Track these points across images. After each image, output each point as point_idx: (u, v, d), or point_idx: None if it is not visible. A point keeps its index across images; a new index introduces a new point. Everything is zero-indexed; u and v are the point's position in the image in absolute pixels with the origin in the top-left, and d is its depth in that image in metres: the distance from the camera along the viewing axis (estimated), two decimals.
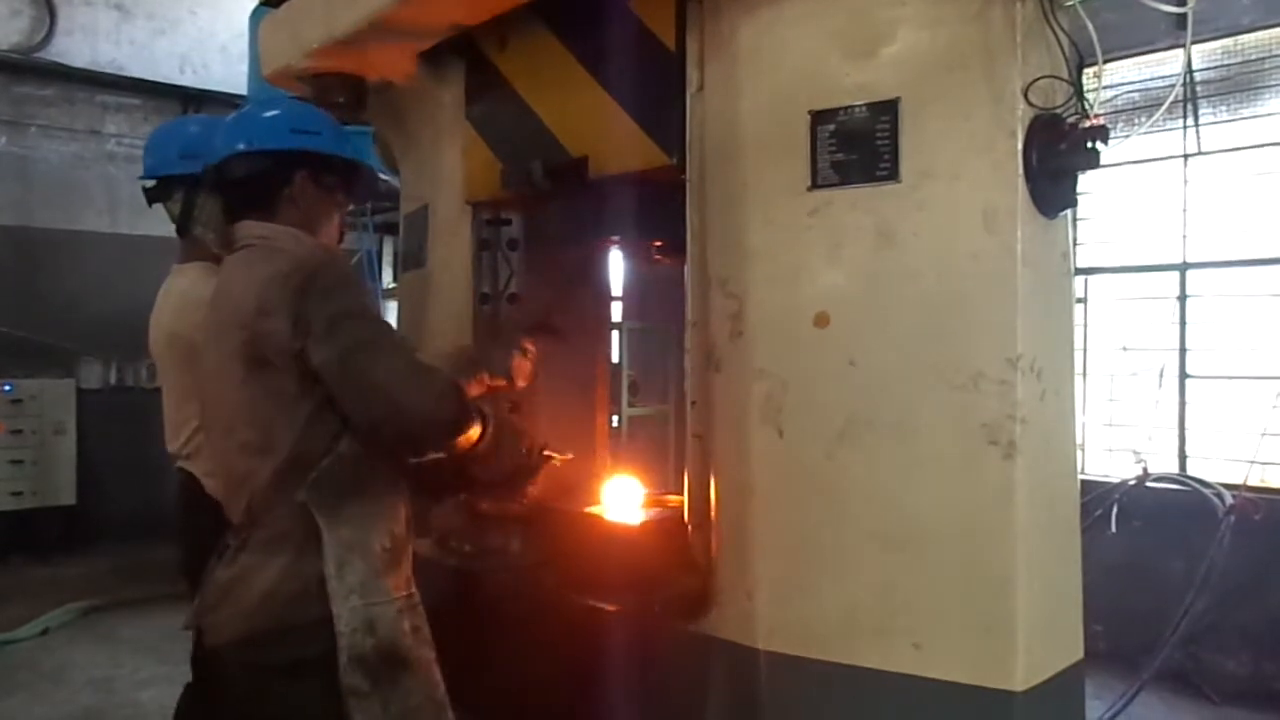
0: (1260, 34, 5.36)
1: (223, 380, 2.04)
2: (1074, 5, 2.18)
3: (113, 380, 7.86)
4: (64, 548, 7.47)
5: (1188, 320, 5.61)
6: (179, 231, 2.96)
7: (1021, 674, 2.09)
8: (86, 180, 8.19)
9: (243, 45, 7.61)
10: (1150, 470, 5.40)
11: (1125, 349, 5.91)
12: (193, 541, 3.00)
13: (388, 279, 9.17)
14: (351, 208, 2.41)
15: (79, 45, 8.18)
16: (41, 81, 8.01)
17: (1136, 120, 5.45)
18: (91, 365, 7.82)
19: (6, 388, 7.41)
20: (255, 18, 5.44)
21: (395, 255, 7.07)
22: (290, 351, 1.93)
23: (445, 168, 3.24)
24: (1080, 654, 2.37)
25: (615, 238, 3.23)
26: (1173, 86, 3.12)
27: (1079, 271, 5.89)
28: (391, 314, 5.47)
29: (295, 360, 1.93)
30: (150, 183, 2.95)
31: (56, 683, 5.00)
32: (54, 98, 8.09)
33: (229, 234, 2.19)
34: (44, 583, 6.70)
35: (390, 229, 7.58)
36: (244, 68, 7.39)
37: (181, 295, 2.84)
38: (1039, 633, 2.15)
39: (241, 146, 2.17)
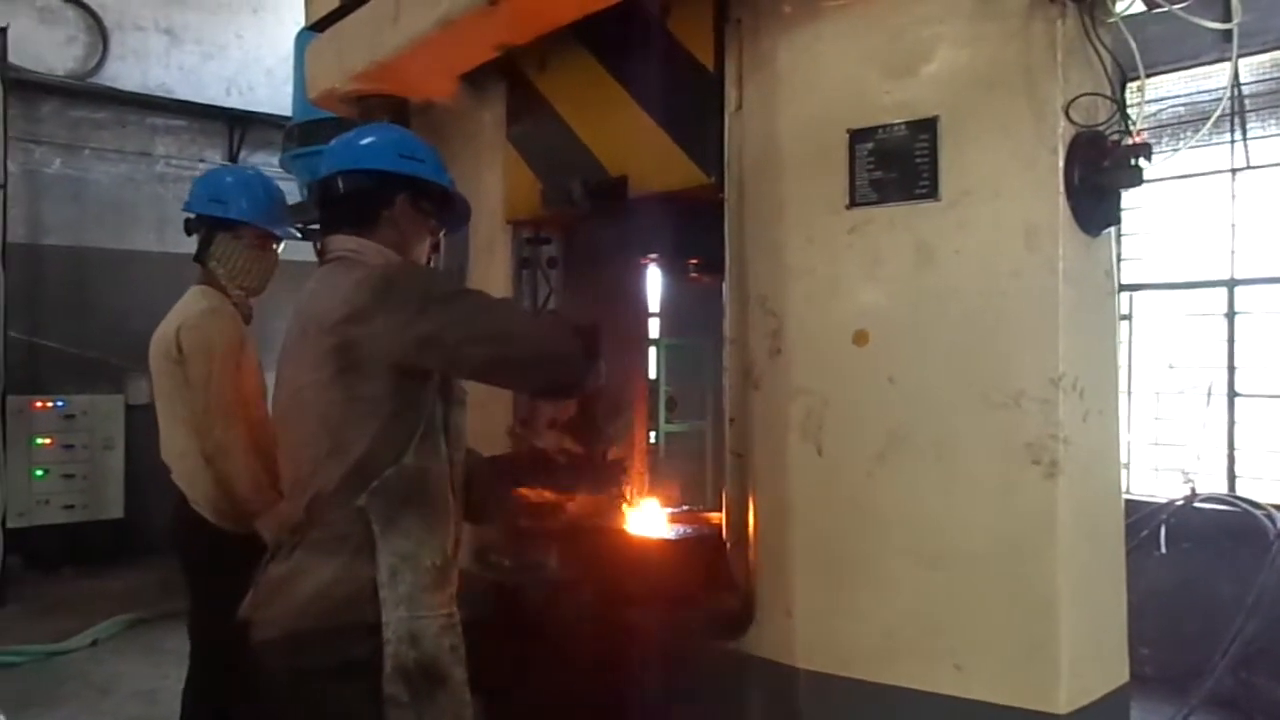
0: None
1: (301, 384, 2.09)
2: (1116, 21, 2.17)
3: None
4: (112, 560, 7.60)
5: (1236, 337, 5.50)
6: (196, 259, 3.30)
7: (1065, 697, 2.06)
8: (136, 201, 8.38)
9: (288, 69, 7.76)
10: (1198, 490, 5.30)
11: (1172, 366, 5.81)
12: (187, 557, 3.17)
13: None
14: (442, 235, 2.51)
15: (130, 69, 8.39)
16: (95, 105, 8.21)
17: (1183, 135, 5.38)
18: (139, 381, 7.95)
19: (59, 404, 7.59)
20: (300, 41, 5.56)
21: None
22: (385, 356, 1.99)
23: (486, 187, 3.27)
24: (1126, 677, 2.33)
25: (654, 255, 3.25)
26: (1219, 100, 3.08)
27: (1124, 288, 5.80)
28: None
29: (389, 369, 1.99)
30: (191, 214, 3.32)
31: (104, 694, 5.08)
32: (106, 121, 8.29)
33: (322, 246, 2.26)
34: (93, 595, 6.82)
35: (433, 248, 7.67)
36: (289, 90, 7.53)
37: (180, 310, 3.22)
38: (1083, 655, 2.12)
39: (349, 165, 2.25)
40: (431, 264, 2.44)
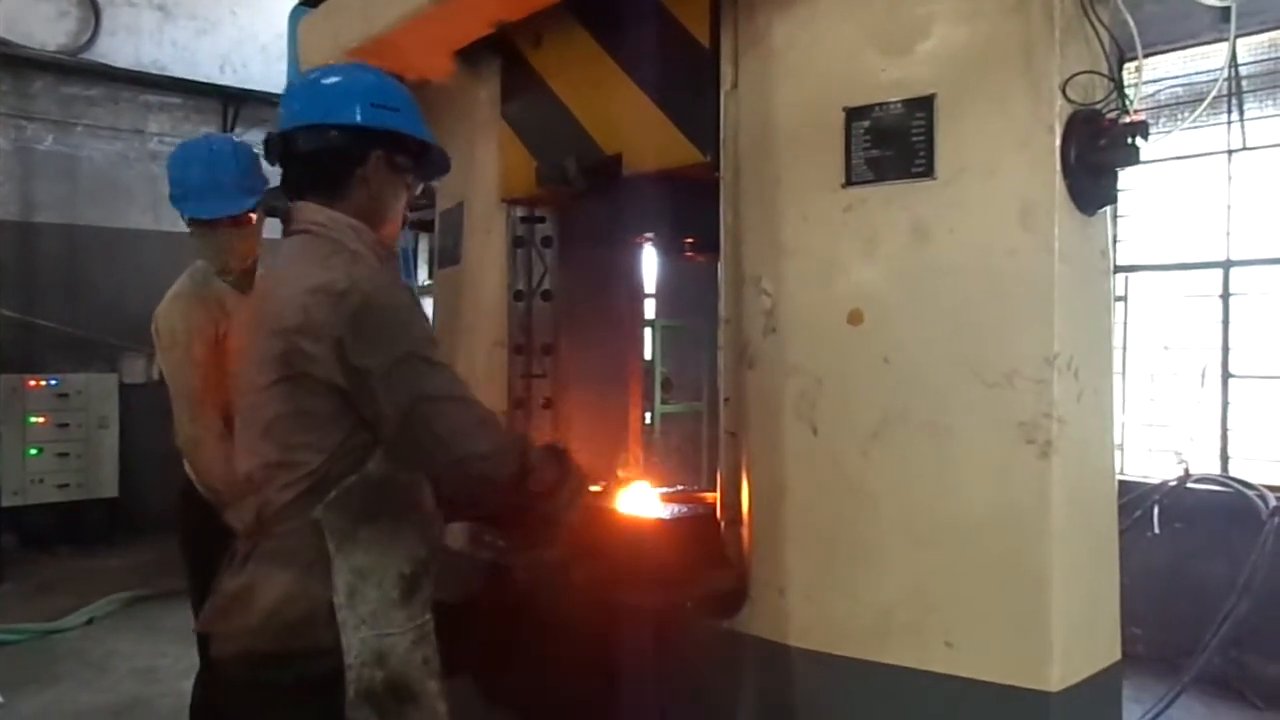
0: None
1: (255, 381, 1.90)
2: None
3: (155, 375, 7.96)
4: (107, 539, 7.62)
5: (1231, 318, 5.51)
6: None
7: (1057, 674, 2.07)
8: (130, 179, 8.33)
9: (282, 45, 7.69)
10: (1192, 471, 5.32)
11: (1167, 348, 5.82)
12: (190, 545, 3.12)
13: (423, 276, 9.24)
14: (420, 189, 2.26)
15: (123, 46, 8.32)
16: (87, 82, 8.16)
17: (1180, 115, 5.36)
18: (134, 360, 7.96)
19: (53, 382, 7.57)
20: (294, 18, 5.51)
21: (431, 252, 7.13)
22: (330, 382, 1.80)
23: (480, 165, 3.26)
24: (1118, 655, 2.35)
25: (649, 235, 3.24)
26: (1216, 81, 3.07)
27: (1119, 269, 5.80)
28: (427, 310, 5.51)
29: (334, 390, 1.81)
30: None
31: (101, 672, 5.09)
32: (99, 98, 8.23)
33: (288, 213, 2.03)
34: (89, 573, 6.83)
35: (426, 226, 7.64)
36: (284, 67, 7.46)
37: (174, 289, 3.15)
38: (1075, 633, 2.13)
39: (315, 120, 1.97)
40: (406, 221, 2.18)
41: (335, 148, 1.97)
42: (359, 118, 1.97)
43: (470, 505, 2.11)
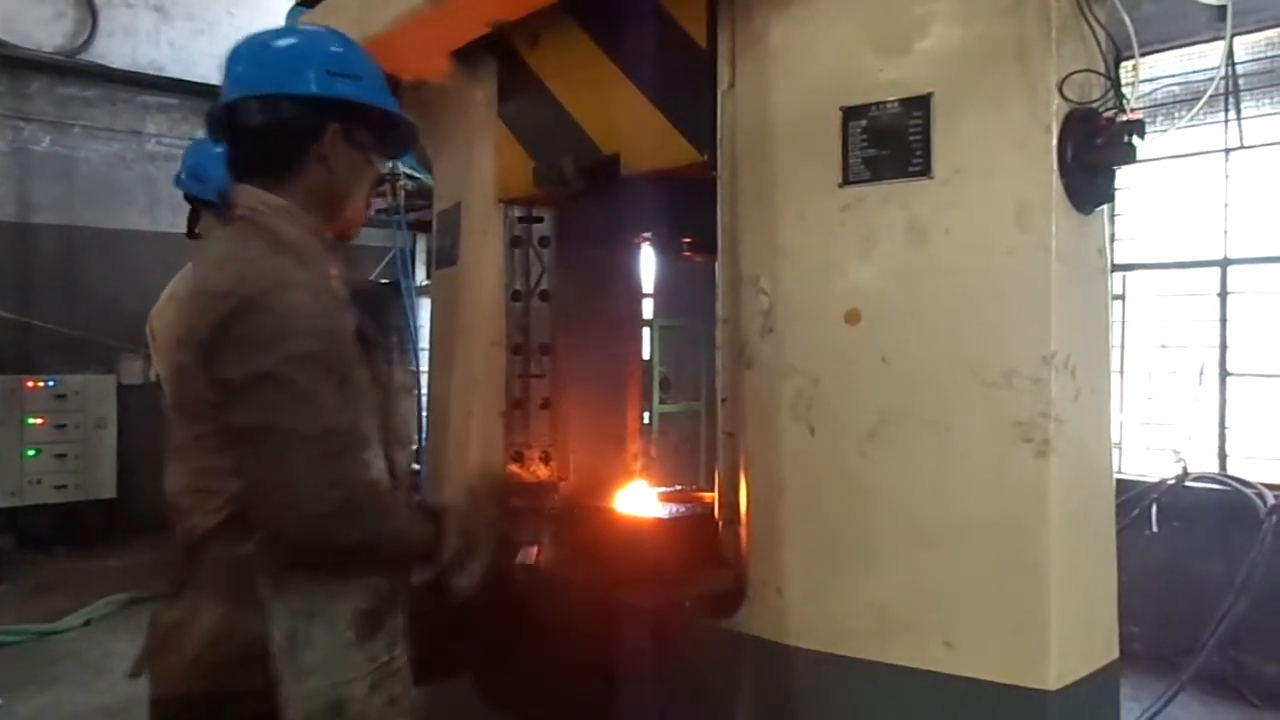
0: None
1: (168, 399, 1.68)
2: None
3: (152, 376, 7.95)
4: (105, 540, 7.60)
5: (1229, 317, 5.51)
6: (188, 236, 3.31)
7: (1055, 673, 2.07)
8: (128, 180, 8.32)
9: None
10: (1190, 469, 5.31)
11: (1164, 346, 5.82)
12: None
13: (421, 277, 9.24)
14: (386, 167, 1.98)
15: (120, 46, 8.31)
16: (84, 83, 8.14)
17: (1177, 114, 5.36)
18: (132, 361, 7.95)
19: (51, 383, 7.56)
20: (291, 17, 5.50)
21: (429, 253, 7.13)
22: (204, 398, 1.56)
23: (478, 165, 3.26)
24: (1116, 654, 2.35)
25: (646, 234, 3.24)
26: (1213, 79, 3.07)
27: (1117, 268, 5.80)
28: (425, 311, 5.51)
29: (212, 408, 1.56)
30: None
31: (99, 673, 5.08)
32: (96, 98, 8.22)
33: (231, 197, 1.76)
34: (86, 574, 6.82)
35: (424, 227, 7.64)
36: None
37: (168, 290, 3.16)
38: (1073, 632, 2.14)
39: (264, 89, 1.72)
40: (369, 205, 1.94)
41: (286, 121, 1.71)
42: (314, 87, 1.72)
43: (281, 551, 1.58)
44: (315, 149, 1.73)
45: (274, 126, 1.71)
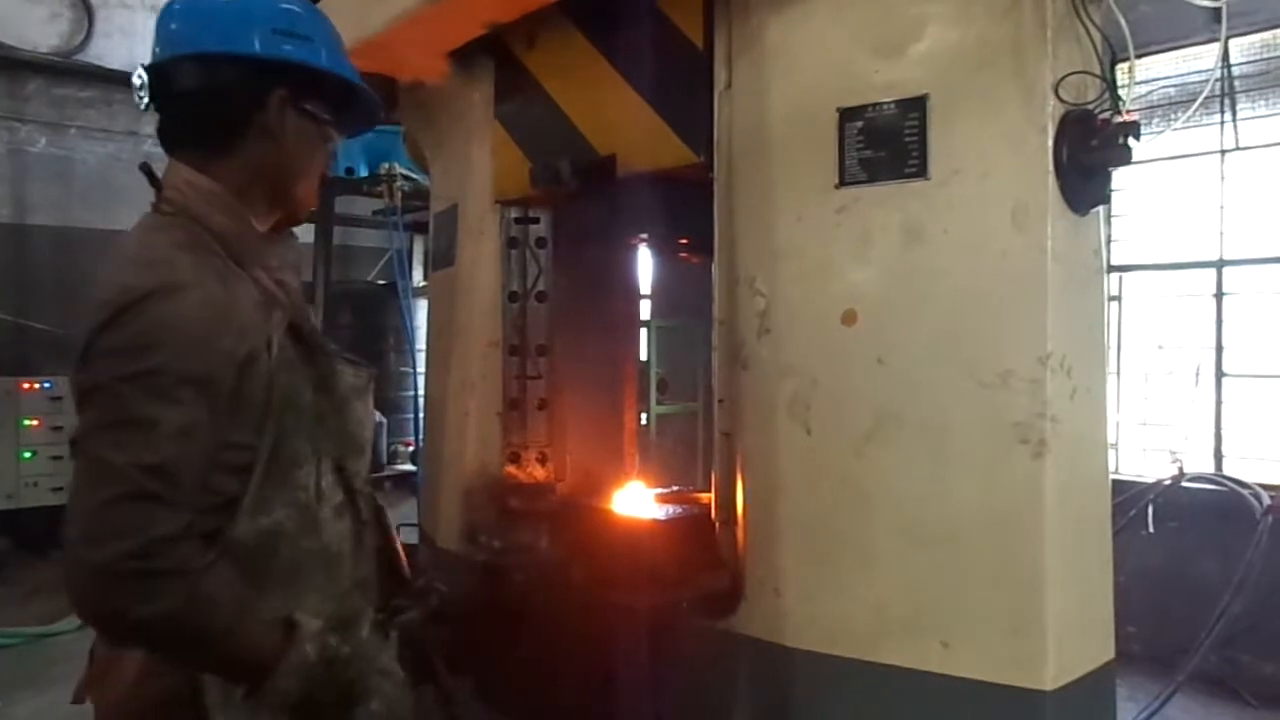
0: None
1: None
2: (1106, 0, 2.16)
3: None
4: None
5: (1224, 318, 5.52)
6: None
7: (1051, 673, 2.07)
8: (124, 180, 8.30)
9: None
10: (1186, 470, 5.33)
11: (1160, 347, 5.84)
12: None
13: (418, 278, 9.24)
14: (344, 138, 1.78)
15: (116, 47, 8.31)
16: (81, 84, 8.15)
17: (1172, 115, 5.37)
18: None
19: (46, 385, 7.54)
20: None
21: (425, 254, 7.12)
22: None
23: (474, 166, 3.26)
24: (1112, 654, 2.35)
25: (643, 235, 3.24)
26: (1208, 81, 3.08)
27: (1113, 269, 5.82)
28: (422, 312, 5.50)
29: None
30: None
31: None
32: (93, 99, 8.22)
33: (160, 176, 1.60)
34: None
35: (421, 228, 7.64)
36: None
37: None
38: (1069, 632, 2.14)
39: (200, 48, 1.51)
40: (324, 185, 1.78)
41: (225, 85, 1.51)
42: (257, 46, 1.52)
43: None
44: (259, 118, 1.53)
45: (211, 91, 1.51)
